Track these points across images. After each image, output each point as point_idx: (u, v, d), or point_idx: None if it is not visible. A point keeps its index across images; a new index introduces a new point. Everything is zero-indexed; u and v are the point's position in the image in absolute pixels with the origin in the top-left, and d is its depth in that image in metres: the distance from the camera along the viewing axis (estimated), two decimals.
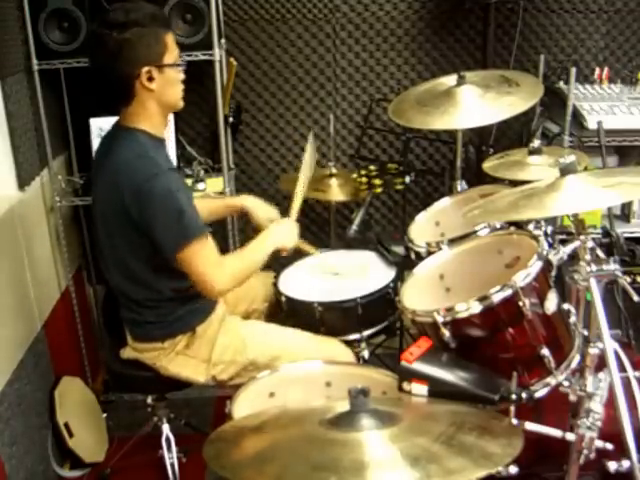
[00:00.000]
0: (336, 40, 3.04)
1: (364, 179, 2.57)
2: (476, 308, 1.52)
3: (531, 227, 1.81)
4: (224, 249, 2.36)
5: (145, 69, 1.77)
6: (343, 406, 1.24)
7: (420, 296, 1.75)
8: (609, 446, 1.48)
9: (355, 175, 2.63)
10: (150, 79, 1.78)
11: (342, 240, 2.86)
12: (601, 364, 1.44)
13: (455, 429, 1.20)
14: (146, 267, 1.87)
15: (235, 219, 2.92)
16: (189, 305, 1.94)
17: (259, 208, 2.24)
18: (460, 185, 2.46)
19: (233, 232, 2.90)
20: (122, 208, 1.78)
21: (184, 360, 1.97)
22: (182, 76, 1.88)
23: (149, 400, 2.22)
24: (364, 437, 1.16)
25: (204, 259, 1.82)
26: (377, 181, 2.56)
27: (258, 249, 1.99)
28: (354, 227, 2.53)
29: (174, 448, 2.23)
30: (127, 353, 2.04)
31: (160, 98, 1.83)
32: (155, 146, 1.86)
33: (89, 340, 2.93)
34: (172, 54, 1.82)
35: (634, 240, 2.59)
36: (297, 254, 2.30)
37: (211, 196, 2.65)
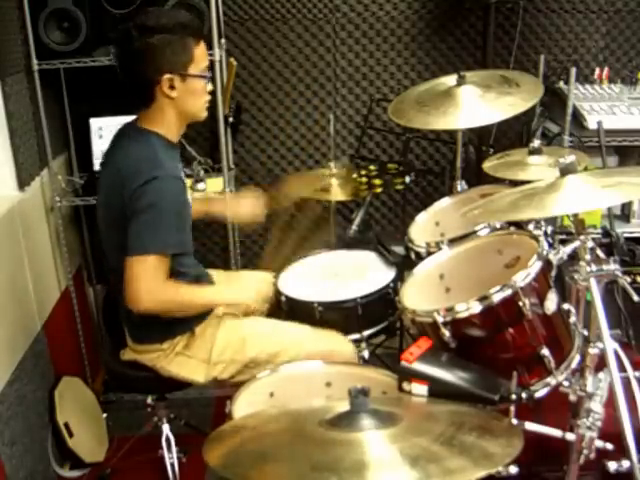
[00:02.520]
0: (336, 40, 3.04)
1: (364, 179, 2.56)
2: (476, 308, 1.52)
3: (531, 227, 1.81)
4: (224, 245, 2.38)
5: (167, 76, 1.77)
6: (343, 406, 1.24)
7: (420, 296, 1.75)
8: (609, 446, 1.48)
9: (355, 175, 2.63)
10: (171, 87, 1.79)
11: (342, 240, 2.86)
12: (601, 364, 1.44)
13: (455, 429, 1.20)
14: None
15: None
16: None
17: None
18: (460, 185, 2.46)
19: (233, 231, 2.91)
20: (123, 205, 1.78)
21: (184, 360, 1.97)
22: (210, 87, 1.88)
23: (149, 400, 2.22)
24: (364, 437, 1.16)
25: (147, 276, 1.74)
26: (377, 181, 2.55)
27: (210, 296, 1.98)
28: (354, 227, 2.53)
29: (174, 448, 2.23)
30: (127, 355, 2.04)
31: (180, 106, 1.83)
32: (167, 149, 1.85)
33: (89, 340, 2.93)
34: (199, 65, 1.81)
35: (634, 240, 2.59)
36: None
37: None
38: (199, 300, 1.93)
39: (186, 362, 1.97)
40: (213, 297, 1.99)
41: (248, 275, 2.28)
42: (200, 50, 1.82)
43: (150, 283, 1.76)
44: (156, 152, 1.81)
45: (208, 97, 1.90)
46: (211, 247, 3.20)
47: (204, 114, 1.91)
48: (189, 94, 1.82)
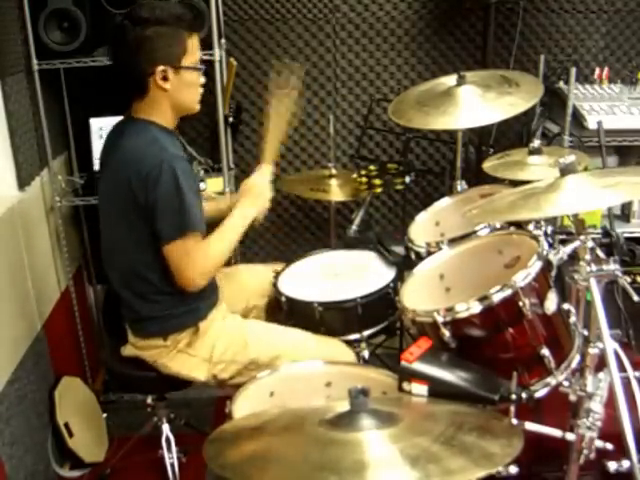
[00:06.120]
0: (336, 40, 3.04)
1: (364, 179, 2.56)
2: (476, 308, 1.52)
3: (531, 227, 1.81)
4: None
5: (160, 68, 1.79)
6: (343, 406, 1.24)
7: (420, 296, 1.75)
8: (609, 446, 1.48)
9: (355, 175, 2.62)
10: (165, 79, 1.81)
11: (342, 240, 2.86)
12: (601, 364, 1.44)
13: (455, 429, 1.20)
14: (146, 259, 1.87)
15: None
16: (190, 303, 1.93)
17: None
18: (460, 185, 2.46)
19: None
20: (129, 194, 1.79)
21: (185, 358, 1.97)
22: (202, 80, 1.91)
23: (149, 400, 2.22)
24: (364, 437, 1.16)
25: (191, 257, 1.82)
26: (377, 181, 2.55)
27: (232, 228, 1.97)
28: (354, 227, 2.52)
29: (174, 448, 2.23)
30: (127, 350, 2.03)
31: (173, 98, 1.85)
32: (166, 135, 1.87)
33: (89, 340, 2.93)
34: (192, 57, 1.84)
35: (634, 240, 2.58)
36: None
37: (214, 197, 2.62)
38: (231, 238, 1.96)
39: (187, 360, 1.97)
40: (238, 226, 1.98)
41: (250, 184, 2.09)
42: (193, 42, 1.84)
43: (197, 261, 1.83)
44: (156, 137, 1.83)
45: (201, 90, 1.92)
46: None
47: (198, 107, 1.93)
48: (183, 86, 1.84)
